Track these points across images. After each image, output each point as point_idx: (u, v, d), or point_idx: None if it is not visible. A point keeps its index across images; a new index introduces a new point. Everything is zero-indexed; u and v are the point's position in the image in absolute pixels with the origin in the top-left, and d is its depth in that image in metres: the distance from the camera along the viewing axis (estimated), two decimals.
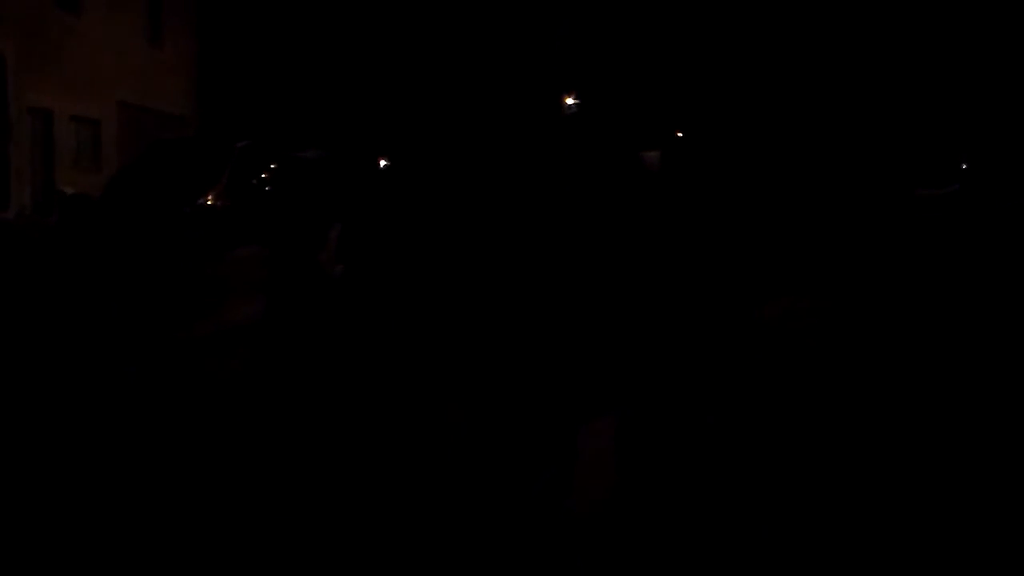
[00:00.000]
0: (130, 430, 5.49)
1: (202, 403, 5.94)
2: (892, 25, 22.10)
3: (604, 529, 3.89)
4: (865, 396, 6.15)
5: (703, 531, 3.85)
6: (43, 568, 3.69)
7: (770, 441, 5.08)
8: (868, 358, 7.33)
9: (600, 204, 8.89)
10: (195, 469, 4.74)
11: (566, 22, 32.09)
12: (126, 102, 20.31)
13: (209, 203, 14.70)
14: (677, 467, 4.44)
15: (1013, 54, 20.87)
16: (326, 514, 4.16)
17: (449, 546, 3.85)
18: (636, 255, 8.29)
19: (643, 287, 7.71)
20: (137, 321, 8.72)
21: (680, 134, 25.90)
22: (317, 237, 10.59)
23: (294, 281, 9.07)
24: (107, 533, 3.95)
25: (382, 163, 20.98)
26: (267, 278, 9.43)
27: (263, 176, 15.52)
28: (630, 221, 8.77)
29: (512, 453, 4.86)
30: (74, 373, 6.93)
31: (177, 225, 13.37)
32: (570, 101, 35.13)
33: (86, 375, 6.88)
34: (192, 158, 15.36)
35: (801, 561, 3.73)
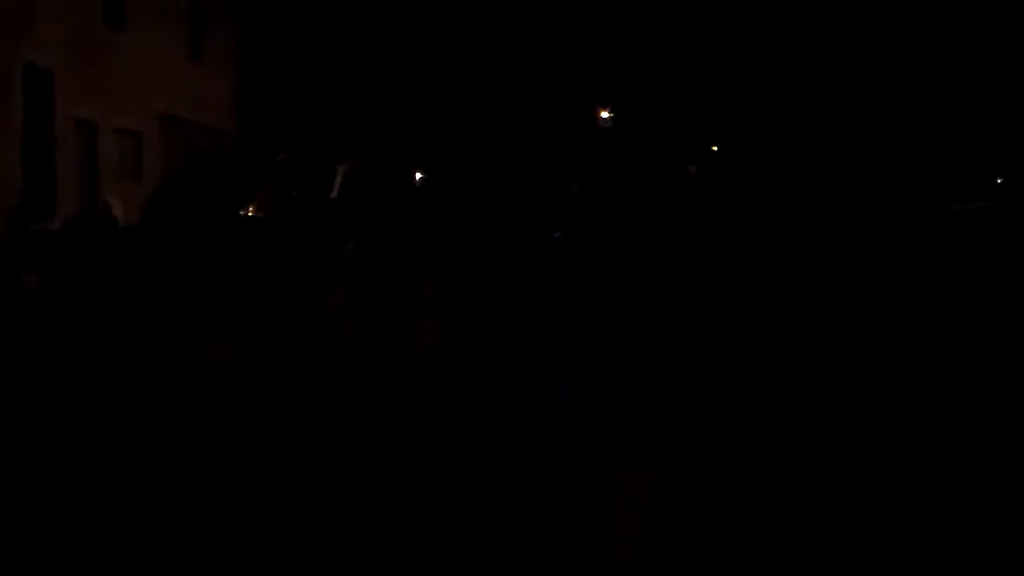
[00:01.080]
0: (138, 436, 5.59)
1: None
2: (928, 44, 22.13)
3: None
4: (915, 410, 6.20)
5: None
6: (43, 568, 3.72)
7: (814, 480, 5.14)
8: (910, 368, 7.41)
9: (644, 218, 8.93)
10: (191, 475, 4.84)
11: (604, 38, 32.25)
12: (167, 115, 20.68)
13: (250, 214, 14.97)
14: (719, 517, 4.47)
15: None
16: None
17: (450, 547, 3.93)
18: (679, 268, 8.33)
19: (684, 303, 7.75)
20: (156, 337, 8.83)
21: (715, 148, 25.99)
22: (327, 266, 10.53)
23: (267, 318, 8.95)
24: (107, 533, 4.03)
25: (418, 176, 21.18)
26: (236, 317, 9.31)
27: (303, 188, 15.75)
28: (673, 235, 8.82)
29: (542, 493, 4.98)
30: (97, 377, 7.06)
31: (217, 236, 13.60)
32: (605, 115, 35.28)
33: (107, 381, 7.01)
34: (233, 170, 15.66)
35: None
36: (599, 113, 34.82)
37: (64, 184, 16.91)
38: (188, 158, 16.85)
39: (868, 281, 11.44)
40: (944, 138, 20.19)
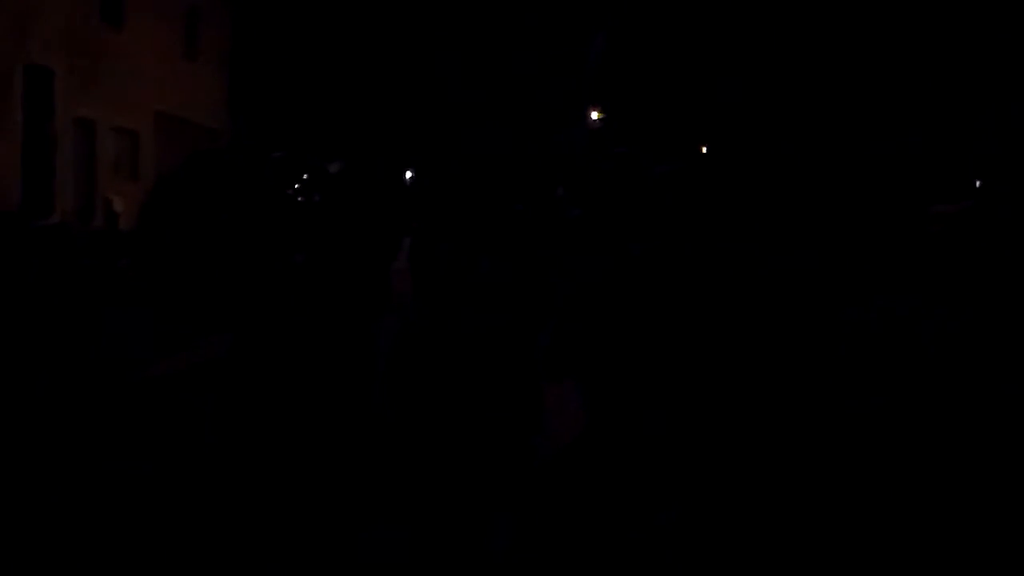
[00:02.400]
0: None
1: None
2: (905, 35, 22.41)
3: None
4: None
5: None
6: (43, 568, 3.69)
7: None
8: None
9: (613, 218, 9.12)
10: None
11: (600, 37, 32.51)
12: (163, 113, 20.97)
13: (246, 211, 15.26)
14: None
15: None
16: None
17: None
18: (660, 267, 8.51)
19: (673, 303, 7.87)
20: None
21: (704, 148, 26.27)
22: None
23: (263, 314, 8.94)
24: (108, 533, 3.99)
25: (408, 175, 21.45)
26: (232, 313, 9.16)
27: (295, 186, 16.08)
28: (647, 235, 9.03)
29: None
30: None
31: (215, 232, 13.89)
32: (595, 116, 35.56)
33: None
34: (229, 168, 15.95)
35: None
36: (589, 113, 35.12)
37: (63, 181, 17.19)
38: (186, 158, 17.12)
39: (851, 283, 11.63)
40: (923, 139, 20.55)
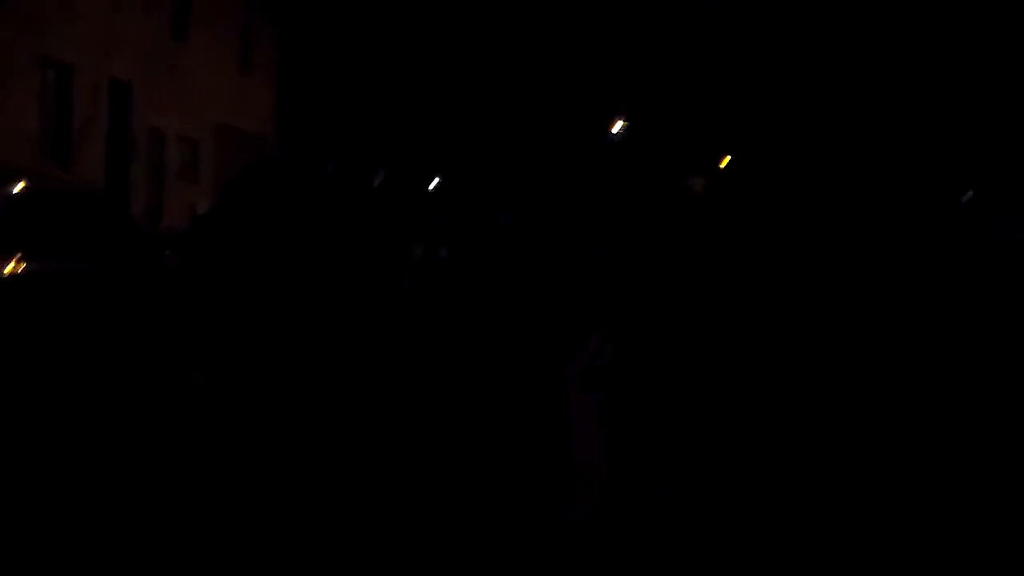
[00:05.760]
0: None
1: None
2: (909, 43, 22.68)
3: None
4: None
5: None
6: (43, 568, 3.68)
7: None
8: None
9: (642, 230, 9.52)
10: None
11: (632, 44, 33.09)
12: (220, 122, 22.57)
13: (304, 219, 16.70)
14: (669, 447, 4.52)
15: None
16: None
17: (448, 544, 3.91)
18: (678, 280, 8.67)
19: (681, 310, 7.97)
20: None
21: (728, 159, 26.81)
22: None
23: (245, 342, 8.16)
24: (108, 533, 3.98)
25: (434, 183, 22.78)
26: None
27: (348, 195, 17.52)
28: (672, 246, 9.42)
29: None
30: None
31: (279, 235, 15.23)
32: (619, 125, 36.30)
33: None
34: (288, 175, 17.41)
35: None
36: (613, 124, 35.96)
37: (136, 186, 18.78)
38: (244, 167, 18.52)
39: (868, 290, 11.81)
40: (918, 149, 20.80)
